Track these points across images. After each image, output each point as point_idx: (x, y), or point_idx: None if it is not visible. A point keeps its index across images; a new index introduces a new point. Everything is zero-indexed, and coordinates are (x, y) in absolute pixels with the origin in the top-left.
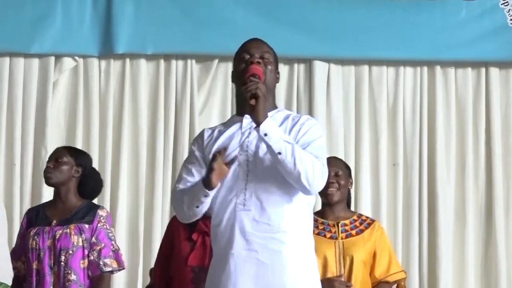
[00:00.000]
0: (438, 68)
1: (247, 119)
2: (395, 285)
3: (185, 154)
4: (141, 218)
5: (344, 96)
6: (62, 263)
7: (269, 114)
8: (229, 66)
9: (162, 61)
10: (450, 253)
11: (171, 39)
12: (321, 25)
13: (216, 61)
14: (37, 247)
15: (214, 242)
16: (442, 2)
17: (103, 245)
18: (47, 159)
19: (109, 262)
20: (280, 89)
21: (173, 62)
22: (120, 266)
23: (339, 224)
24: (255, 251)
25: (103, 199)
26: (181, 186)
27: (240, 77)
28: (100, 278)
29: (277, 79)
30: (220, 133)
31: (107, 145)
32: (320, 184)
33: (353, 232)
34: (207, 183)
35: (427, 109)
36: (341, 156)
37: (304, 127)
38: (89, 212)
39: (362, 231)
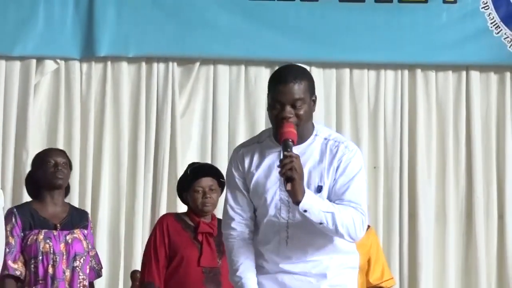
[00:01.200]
0: (419, 71)
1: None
2: None
3: (166, 157)
4: (122, 220)
5: (325, 99)
6: (78, 269)
7: (305, 144)
8: (210, 69)
9: (143, 64)
10: (431, 256)
11: (153, 42)
12: (302, 28)
13: (198, 64)
14: (52, 251)
15: (261, 259)
16: (423, 6)
17: (94, 251)
18: (49, 160)
19: (101, 266)
20: (262, 92)
21: (155, 65)
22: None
23: None
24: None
25: (84, 201)
26: (231, 223)
27: (273, 124)
28: (93, 284)
29: (313, 106)
30: (260, 159)
31: (88, 147)
32: (363, 234)
33: None
34: None
35: (408, 112)
36: None
37: (343, 163)
38: (82, 217)
39: None
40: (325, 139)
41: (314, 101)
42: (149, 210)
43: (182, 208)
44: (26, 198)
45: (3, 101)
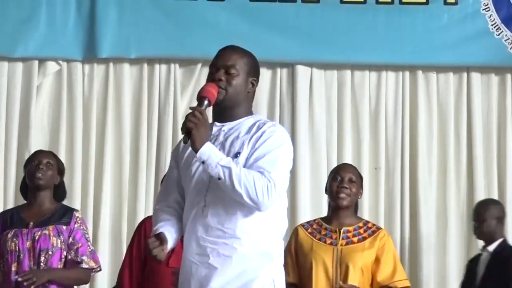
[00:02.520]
0: (420, 73)
1: (216, 127)
2: None
3: (168, 158)
4: (124, 221)
5: (327, 100)
6: (42, 264)
7: (236, 121)
8: None
9: (145, 65)
10: (432, 256)
11: (155, 43)
12: (303, 29)
13: (200, 65)
14: (17, 249)
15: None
16: (424, 7)
17: (80, 244)
18: (33, 160)
19: (86, 260)
20: (263, 93)
21: (157, 66)
22: (97, 265)
23: (341, 231)
24: (207, 256)
25: (86, 202)
26: (157, 205)
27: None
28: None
29: (250, 87)
30: None
31: (91, 148)
32: (267, 200)
33: (355, 239)
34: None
35: (409, 113)
36: (323, 160)
37: (263, 137)
38: (65, 214)
39: (364, 238)
40: (255, 122)
41: (253, 84)
42: (151, 211)
43: None
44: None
45: (5, 102)
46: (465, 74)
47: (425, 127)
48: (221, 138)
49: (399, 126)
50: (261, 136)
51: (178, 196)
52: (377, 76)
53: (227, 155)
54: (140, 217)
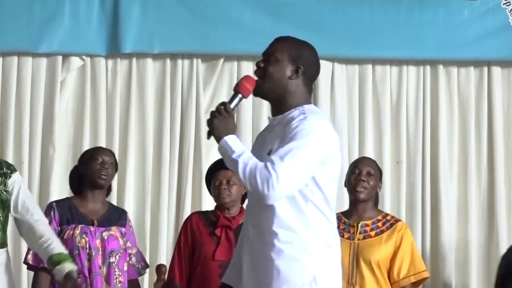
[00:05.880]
0: (441, 67)
1: (269, 121)
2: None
3: (191, 152)
4: (147, 215)
5: (348, 95)
6: (114, 265)
7: (284, 115)
8: (234, 65)
9: (168, 60)
10: (453, 250)
11: (178, 38)
12: (325, 24)
13: (222, 60)
14: (88, 246)
15: None
16: (445, 2)
17: (135, 249)
18: (97, 157)
19: (144, 265)
20: None
21: (179, 61)
22: (148, 267)
23: (359, 225)
24: (250, 253)
25: (110, 196)
26: None
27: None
28: (137, 282)
29: (294, 74)
30: (258, 136)
31: (114, 143)
32: (267, 192)
33: (372, 233)
34: None
35: (430, 107)
36: (345, 154)
37: (288, 131)
38: (121, 215)
39: (382, 232)
40: (292, 117)
41: (296, 70)
42: (174, 205)
43: (206, 203)
44: (53, 193)
45: (30, 97)
46: (485, 69)
47: (446, 121)
48: (269, 133)
49: (420, 120)
50: (288, 131)
51: None
52: (398, 71)
53: (265, 152)
54: (164, 210)
